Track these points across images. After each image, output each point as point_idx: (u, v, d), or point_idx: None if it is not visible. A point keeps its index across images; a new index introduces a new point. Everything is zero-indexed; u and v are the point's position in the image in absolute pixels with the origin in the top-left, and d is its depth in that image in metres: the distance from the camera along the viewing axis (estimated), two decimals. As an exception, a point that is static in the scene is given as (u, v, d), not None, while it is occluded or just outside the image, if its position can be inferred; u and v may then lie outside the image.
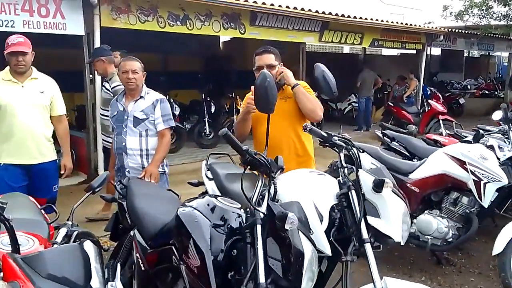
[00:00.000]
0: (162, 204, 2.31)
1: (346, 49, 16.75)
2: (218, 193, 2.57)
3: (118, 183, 2.44)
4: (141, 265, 1.98)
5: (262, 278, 1.48)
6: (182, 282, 1.76)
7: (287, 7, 7.31)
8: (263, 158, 1.62)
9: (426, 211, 3.22)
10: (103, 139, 4.26)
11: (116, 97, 3.09)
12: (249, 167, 1.69)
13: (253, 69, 2.65)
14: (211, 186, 2.68)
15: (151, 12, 6.11)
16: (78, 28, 5.59)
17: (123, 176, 2.91)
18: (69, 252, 1.32)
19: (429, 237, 3.10)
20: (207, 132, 8.05)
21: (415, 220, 3.16)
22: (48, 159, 3.14)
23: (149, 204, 2.25)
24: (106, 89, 4.05)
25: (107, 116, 4.09)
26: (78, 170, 6.04)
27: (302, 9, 7.48)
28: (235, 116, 8.38)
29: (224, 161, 3.05)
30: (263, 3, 6.93)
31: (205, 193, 2.95)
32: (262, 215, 1.59)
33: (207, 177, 2.76)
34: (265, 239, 1.57)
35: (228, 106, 8.56)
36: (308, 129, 2.12)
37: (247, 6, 6.83)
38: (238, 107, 8.47)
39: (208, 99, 8.19)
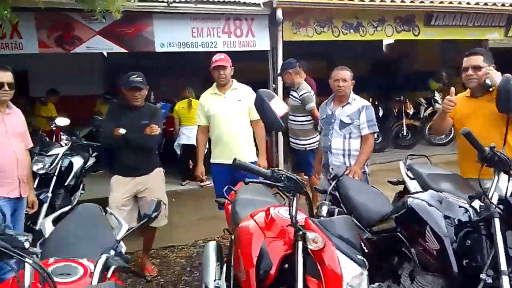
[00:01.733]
0: (374, 197, 2.57)
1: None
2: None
3: (329, 178, 2.79)
4: (364, 248, 2.26)
5: (504, 266, 1.59)
6: (409, 263, 1.98)
7: (468, 3, 6.86)
8: (503, 155, 1.72)
9: None
10: (291, 141, 4.77)
11: (325, 102, 3.47)
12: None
13: (461, 69, 2.70)
14: (413, 185, 2.83)
15: (326, 23, 6.54)
16: (265, 44, 6.38)
17: (326, 172, 3.28)
18: (346, 221, 1.69)
19: None
20: (375, 136, 8.07)
21: None
22: (249, 160, 3.52)
23: (363, 196, 2.54)
24: (294, 97, 4.55)
25: (295, 121, 4.61)
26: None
27: (486, 4, 6.90)
28: (404, 120, 8.21)
29: (422, 162, 3.16)
30: (441, 2, 6.66)
31: (403, 192, 3.12)
32: (498, 209, 1.69)
33: (408, 176, 2.92)
34: (504, 231, 1.67)
35: (396, 110, 8.42)
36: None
37: (422, 7, 6.67)
38: (408, 111, 8.28)
39: (376, 103, 8.21)
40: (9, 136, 2.94)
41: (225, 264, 2.53)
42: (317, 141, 4.59)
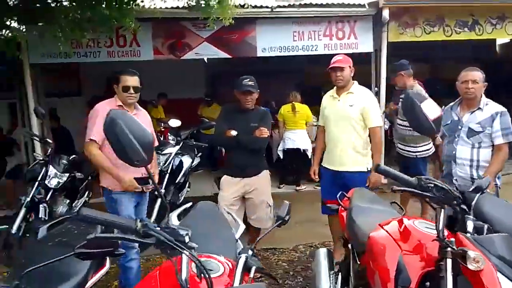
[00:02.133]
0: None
1: None
2: None
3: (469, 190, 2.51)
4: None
5: None
6: None
7: None
8: None
9: None
10: (399, 148, 4.49)
11: (450, 106, 3.19)
12: None
13: None
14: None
15: (437, 22, 6.09)
16: (368, 46, 6.14)
17: (450, 183, 2.99)
18: (507, 240, 1.50)
19: None
20: None
21: None
22: (354, 169, 3.38)
23: (500, 212, 2.25)
24: (407, 100, 4.27)
25: (406, 126, 4.33)
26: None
27: None
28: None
29: None
30: None
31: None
32: None
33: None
34: None
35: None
36: None
37: (554, 0, 5.87)
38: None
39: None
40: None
41: (340, 273, 2.45)
42: (430, 148, 4.28)
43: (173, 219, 2.39)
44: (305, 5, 5.81)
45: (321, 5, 5.81)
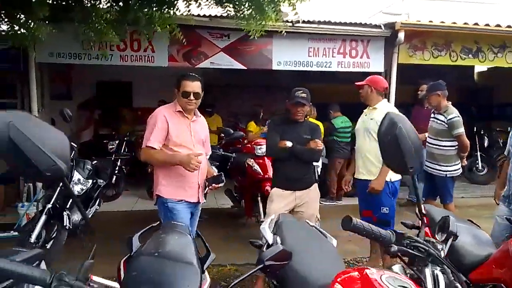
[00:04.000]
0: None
1: None
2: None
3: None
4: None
5: None
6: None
7: None
8: None
9: None
10: (428, 166, 4.55)
11: None
12: None
13: None
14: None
15: (444, 47, 6.37)
16: (379, 66, 6.31)
17: (510, 203, 3.05)
18: None
19: None
20: (480, 168, 7.68)
21: None
22: (365, 177, 3.59)
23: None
24: (440, 120, 4.39)
25: (437, 145, 4.46)
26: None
27: None
28: None
29: None
30: None
31: None
32: None
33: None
34: None
35: (502, 141, 7.97)
36: None
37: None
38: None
39: (482, 132, 7.83)
40: (193, 142, 3.06)
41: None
42: (459, 168, 4.42)
43: (267, 231, 2.28)
44: (324, 22, 5.90)
45: (340, 23, 5.93)
